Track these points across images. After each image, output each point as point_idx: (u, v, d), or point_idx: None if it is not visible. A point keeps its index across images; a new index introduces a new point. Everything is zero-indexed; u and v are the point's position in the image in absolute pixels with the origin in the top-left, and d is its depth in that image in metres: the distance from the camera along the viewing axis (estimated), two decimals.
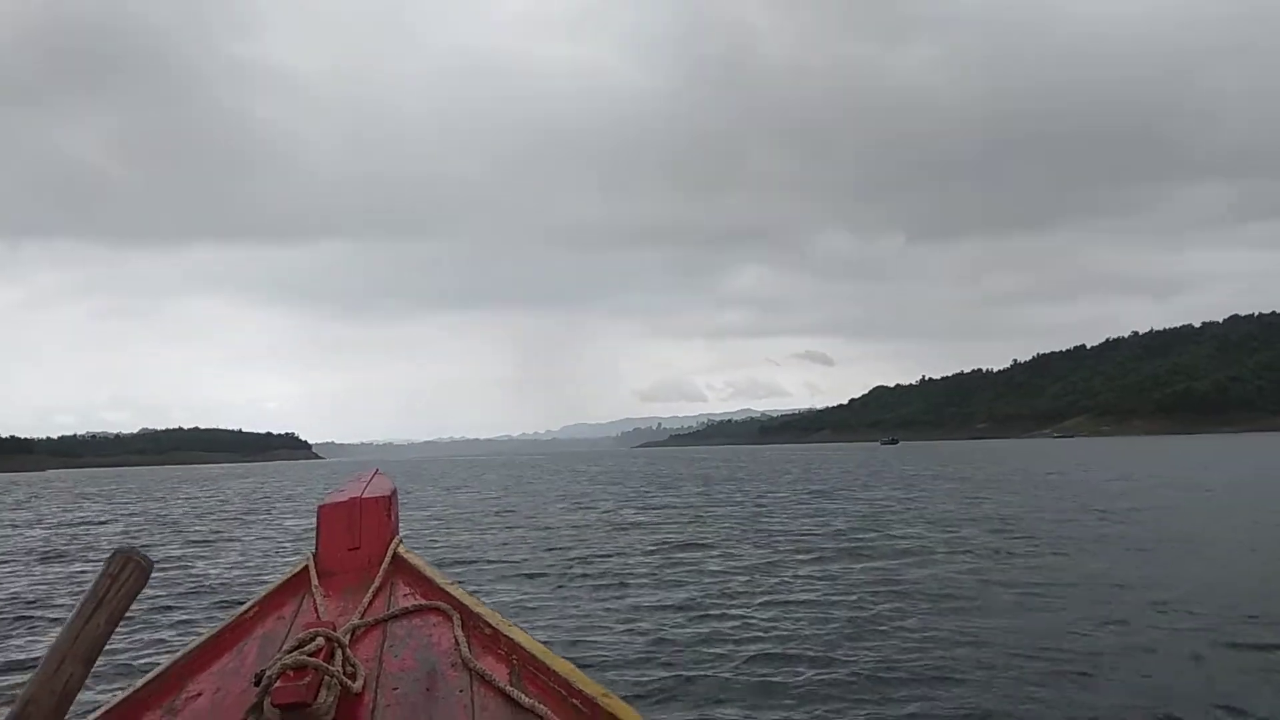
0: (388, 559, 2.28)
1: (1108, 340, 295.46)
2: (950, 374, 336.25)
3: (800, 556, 11.52)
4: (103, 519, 24.13)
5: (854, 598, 8.60)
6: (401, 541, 2.38)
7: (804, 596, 8.75)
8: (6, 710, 1.32)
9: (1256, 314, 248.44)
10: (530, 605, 8.68)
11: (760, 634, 7.17)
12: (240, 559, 13.20)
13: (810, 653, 6.50)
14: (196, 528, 19.58)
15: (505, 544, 14.05)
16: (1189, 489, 23.26)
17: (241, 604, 2.19)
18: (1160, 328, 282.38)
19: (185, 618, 8.47)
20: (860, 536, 13.58)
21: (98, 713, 1.74)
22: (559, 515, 19.79)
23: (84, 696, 1.40)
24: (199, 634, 2.08)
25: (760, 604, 8.42)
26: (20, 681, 6.18)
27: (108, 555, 1.51)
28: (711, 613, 8.05)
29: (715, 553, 12.15)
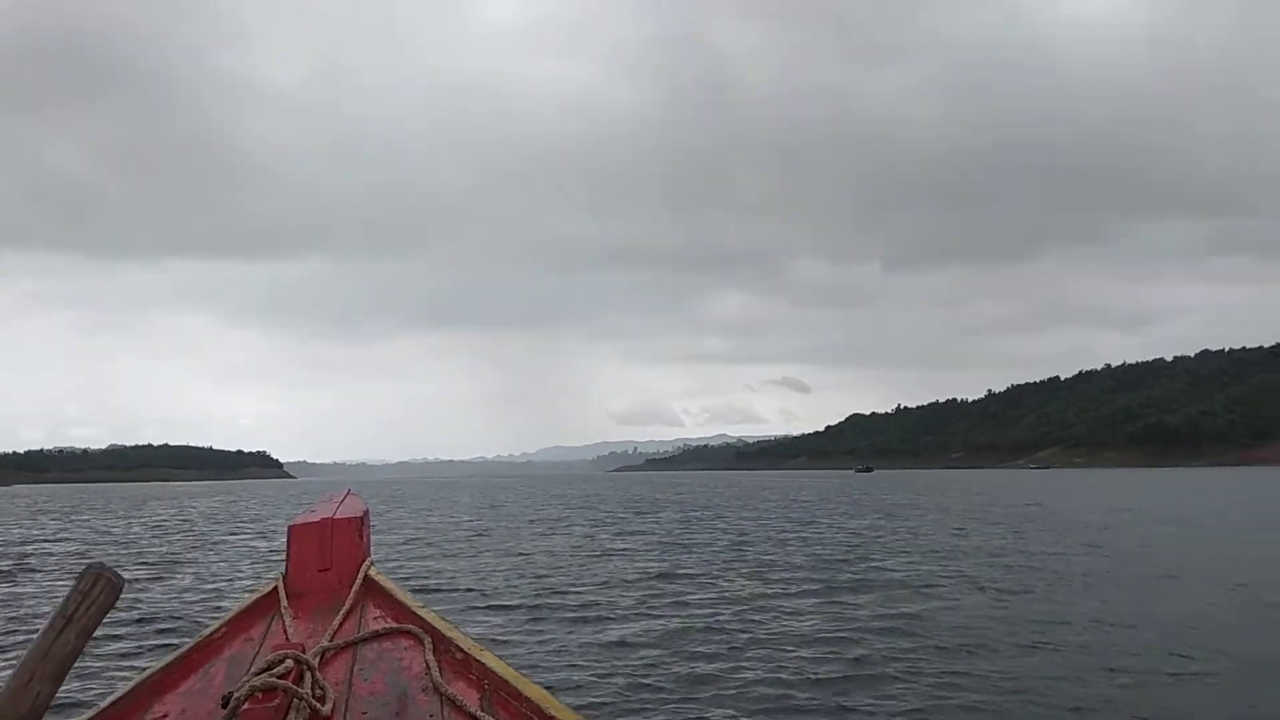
0: (359, 581, 2.24)
1: (1081, 372, 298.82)
2: (926, 403, 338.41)
3: (790, 589, 10.95)
4: (56, 536, 23.17)
5: (851, 635, 8.04)
6: (373, 564, 2.35)
7: (798, 632, 8.18)
8: None
9: (1227, 349, 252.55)
10: (502, 638, 8.07)
11: (755, 675, 6.58)
12: (194, 583, 12.45)
13: (812, 700, 5.94)
14: (154, 548, 18.73)
15: (477, 571, 13.39)
16: (1169, 521, 23.04)
17: (206, 626, 2.15)
18: (1132, 361, 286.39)
19: (125, 649, 7.78)
20: (851, 568, 13.02)
21: None
22: (533, 541, 19.12)
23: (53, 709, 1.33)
24: (164, 656, 2.03)
25: (750, 640, 7.84)
26: None
27: (78, 572, 1.48)
28: (700, 650, 7.45)
29: (699, 584, 11.55)
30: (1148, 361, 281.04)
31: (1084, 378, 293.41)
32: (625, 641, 7.82)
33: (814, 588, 11.02)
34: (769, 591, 10.76)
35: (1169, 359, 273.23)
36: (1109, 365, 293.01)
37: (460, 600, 10.39)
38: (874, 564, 13.56)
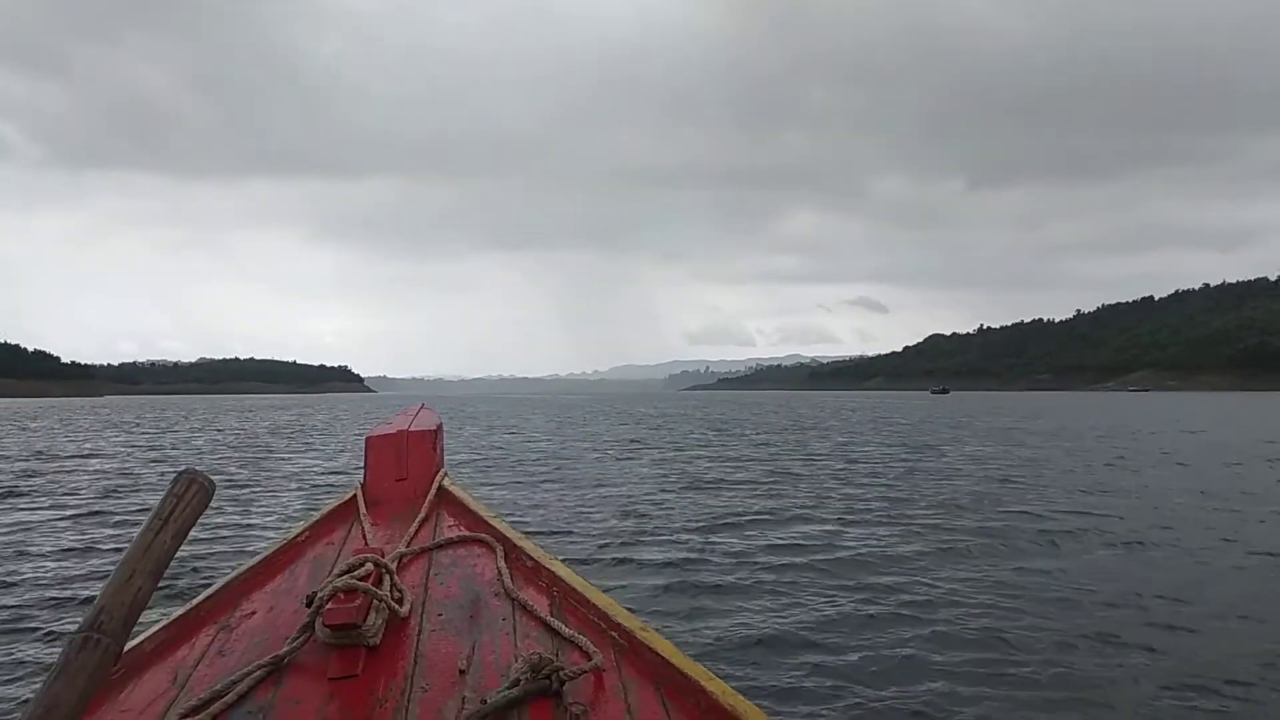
0: (433, 491, 2.39)
1: (1176, 292, 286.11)
2: (1010, 323, 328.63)
3: (933, 534, 8.78)
4: (145, 445, 22.47)
5: (1053, 595, 6.02)
6: (447, 475, 2.48)
7: (957, 588, 6.16)
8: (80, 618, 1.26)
9: None
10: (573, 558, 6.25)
11: (920, 647, 4.61)
12: (276, 489, 11.01)
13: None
14: (237, 458, 17.59)
15: (546, 499, 11.66)
16: None
17: (290, 530, 2.25)
18: (1232, 280, 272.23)
19: (212, 551, 6.17)
20: (1005, 507, 10.76)
21: (160, 624, 1.78)
22: (606, 464, 17.40)
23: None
24: (251, 557, 2.09)
25: (893, 600, 5.87)
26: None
27: (174, 475, 1.49)
28: (828, 613, 5.51)
29: (817, 524, 9.59)
30: (1248, 281, 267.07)
31: (1179, 298, 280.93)
32: (729, 600, 5.92)
33: (969, 531, 8.91)
34: (902, 533, 8.75)
35: (1272, 278, 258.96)
36: (1207, 285, 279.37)
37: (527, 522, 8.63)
38: (1022, 507, 11.43)
